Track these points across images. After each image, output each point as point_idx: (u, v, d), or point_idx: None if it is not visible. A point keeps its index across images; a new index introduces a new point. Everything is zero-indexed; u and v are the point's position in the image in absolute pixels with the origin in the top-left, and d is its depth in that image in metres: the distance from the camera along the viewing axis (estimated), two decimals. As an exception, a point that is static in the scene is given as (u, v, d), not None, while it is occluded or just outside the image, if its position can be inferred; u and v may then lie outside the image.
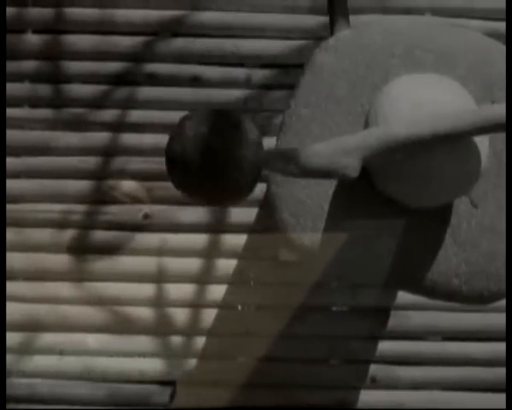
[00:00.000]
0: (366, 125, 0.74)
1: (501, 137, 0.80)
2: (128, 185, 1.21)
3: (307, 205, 0.78)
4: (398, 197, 0.75)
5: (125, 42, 1.25)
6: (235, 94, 1.25)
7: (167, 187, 1.24)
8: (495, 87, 0.81)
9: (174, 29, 1.25)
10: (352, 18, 0.86)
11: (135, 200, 1.21)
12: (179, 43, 1.25)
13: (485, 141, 0.74)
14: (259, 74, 1.25)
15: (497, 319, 1.20)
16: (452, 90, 0.74)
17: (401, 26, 0.82)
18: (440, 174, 0.72)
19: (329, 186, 0.78)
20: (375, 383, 1.21)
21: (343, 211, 0.78)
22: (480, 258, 0.79)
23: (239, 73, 1.25)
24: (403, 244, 0.79)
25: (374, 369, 1.21)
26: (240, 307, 1.22)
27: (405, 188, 0.74)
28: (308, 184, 0.78)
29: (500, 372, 1.20)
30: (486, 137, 0.74)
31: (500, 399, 1.20)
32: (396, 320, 1.21)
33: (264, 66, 1.26)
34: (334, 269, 0.82)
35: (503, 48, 0.82)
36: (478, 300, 0.80)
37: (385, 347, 1.22)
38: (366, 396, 1.21)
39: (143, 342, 1.21)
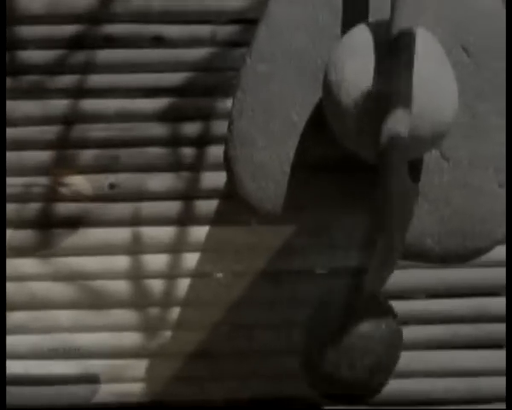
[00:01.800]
0: (325, 78, 0.69)
1: (472, 87, 0.75)
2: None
3: (268, 167, 0.74)
4: (363, 153, 0.71)
5: (81, 3, 1.20)
6: (200, 53, 1.20)
7: (132, 154, 1.19)
8: (464, 31, 0.76)
9: (132, -14, 1.20)
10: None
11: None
12: (138, 2, 1.20)
13: (454, 91, 0.69)
14: (224, 31, 1.20)
15: (481, 274, 1.17)
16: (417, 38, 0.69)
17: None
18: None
19: (290, 147, 0.73)
20: (357, 346, 1.18)
21: (306, 173, 0.73)
22: (453, 215, 0.75)
23: (203, 30, 1.20)
24: (371, 205, 0.75)
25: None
26: (217, 275, 1.19)
27: (368, 141, 0.69)
28: (267, 146, 0.73)
29: (484, 328, 1.18)
30: (455, 87, 0.69)
31: (485, 355, 1.18)
32: (376, 280, 1.18)
33: (228, 22, 1.20)
34: (302, 233, 0.78)
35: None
36: (453, 259, 0.76)
37: (366, 308, 1.18)
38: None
39: (117, 316, 1.18)
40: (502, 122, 0.76)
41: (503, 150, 0.75)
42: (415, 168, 0.75)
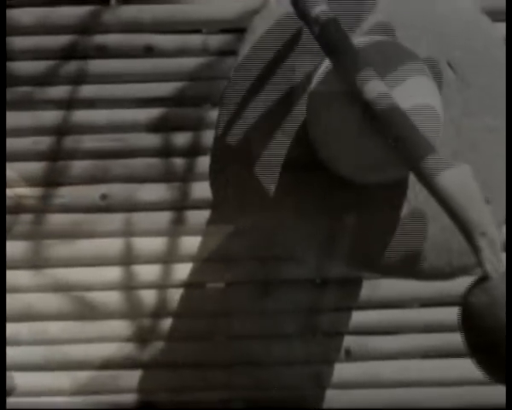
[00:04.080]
0: (309, 98, 0.68)
1: (458, 103, 0.74)
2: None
3: (251, 184, 0.73)
4: (347, 174, 0.70)
5: (72, 13, 1.19)
6: (191, 62, 1.19)
7: (124, 164, 1.19)
8: (450, 46, 0.75)
9: (122, -3, 1.19)
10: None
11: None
12: (129, 12, 1.19)
13: (439, 107, 0.69)
14: (215, 40, 1.20)
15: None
16: (398, 54, 0.68)
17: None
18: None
19: (274, 166, 0.72)
20: (350, 356, 1.18)
21: (292, 192, 0.72)
22: (439, 232, 0.74)
23: (194, 40, 1.20)
24: (357, 223, 0.74)
25: (348, 341, 1.18)
26: (209, 285, 1.18)
27: (353, 165, 0.69)
28: (251, 163, 0.72)
29: (479, 336, 1.17)
30: (440, 103, 0.69)
31: (479, 364, 1.17)
32: (369, 290, 1.18)
33: (220, 31, 1.20)
34: (290, 249, 0.77)
35: (458, 4, 0.76)
36: (440, 276, 0.75)
37: (358, 317, 1.18)
38: (341, 369, 1.18)
39: (109, 326, 1.18)
40: (488, 138, 0.76)
41: (489, 166, 0.74)
42: (401, 185, 0.74)
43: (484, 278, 0.62)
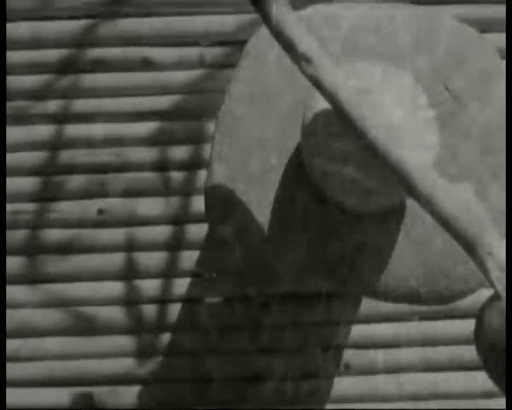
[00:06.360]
0: (304, 118, 0.67)
1: (454, 126, 0.73)
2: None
3: (247, 213, 0.72)
4: (343, 201, 0.69)
5: (67, 26, 1.18)
6: (189, 75, 1.19)
7: (121, 179, 1.18)
8: (446, 66, 0.74)
9: (118, 9, 1.18)
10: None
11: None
12: (125, 25, 1.18)
13: (434, 130, 0.68)
14: (213, 53, 1.19)
15: (476, 295, 1.15)
16: (395, 81, 0.67)
17: (345, 11, 0.75)
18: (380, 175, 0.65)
19: (270, 192, 0.71)
20: (349, 369, 1.17)
21: (288, 219, 0.71)
22: (436, 257, 0.73)
23: (191, 52, 1.19)
24: (353, 248, 0.73)
25: (347, 354, 1.17)
26: (209, 300, 1.17)
27: (349, 195, 0.68)
28: (247, 191, 0.71)
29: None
30: (435, 127, 0.68)
31: (481, 377, 1.16)
32: (368, 303, 1.17)
33: (217, 43, 1.19)
34: (286, 271, 0.76)
35: (451, 21, 0.74)
36: (438, 300, 0.74)
37: (358, 331, 1.17)
38: (340, 383, 1.17)
39: (108, 342, 1.17)
40: (485, 162, 0.74)
41: (486, 191, 0.73)
42: (398, 210, 0.73)
43: (495, 298, 0.61)
